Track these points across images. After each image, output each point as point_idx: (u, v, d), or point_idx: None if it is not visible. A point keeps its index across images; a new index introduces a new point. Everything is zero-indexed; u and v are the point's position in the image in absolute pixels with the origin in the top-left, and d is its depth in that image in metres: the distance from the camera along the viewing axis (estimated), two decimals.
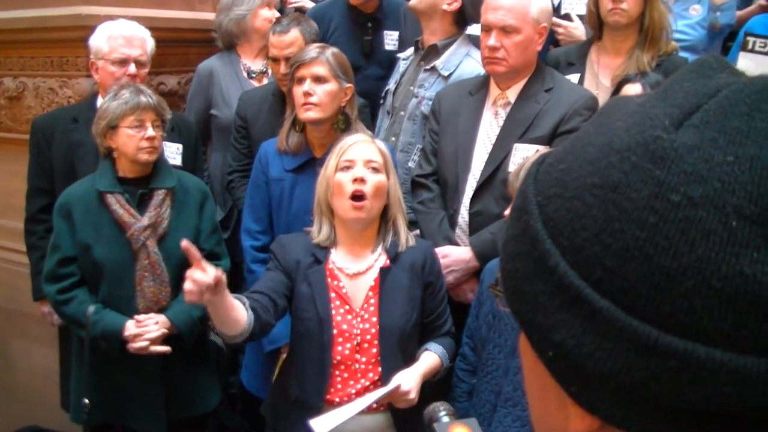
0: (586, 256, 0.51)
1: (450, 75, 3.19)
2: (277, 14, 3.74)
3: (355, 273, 2.40)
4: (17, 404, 3.89)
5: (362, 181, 2.32)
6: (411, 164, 3.15)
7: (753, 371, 0.46)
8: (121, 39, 3.17)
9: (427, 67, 3.24)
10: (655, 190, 0.48)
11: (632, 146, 0.50)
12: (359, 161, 2.36)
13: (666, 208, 0.47)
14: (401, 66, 3.39)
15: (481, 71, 2.98)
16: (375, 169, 2.36)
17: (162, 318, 2.73)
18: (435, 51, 3.24)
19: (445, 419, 1.33)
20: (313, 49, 2.88)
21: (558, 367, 0.53)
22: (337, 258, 2.42)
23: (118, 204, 2.71)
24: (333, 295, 2.38)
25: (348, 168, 2.35)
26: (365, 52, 3.76)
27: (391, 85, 3.40)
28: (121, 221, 2.70)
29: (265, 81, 3.70)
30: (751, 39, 3.22)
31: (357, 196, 2.32)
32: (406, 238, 2.46)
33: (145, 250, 2.71)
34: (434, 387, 2.50)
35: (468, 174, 2.82)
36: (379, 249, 2.43)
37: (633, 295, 0.48)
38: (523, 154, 2.69)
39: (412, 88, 3.26)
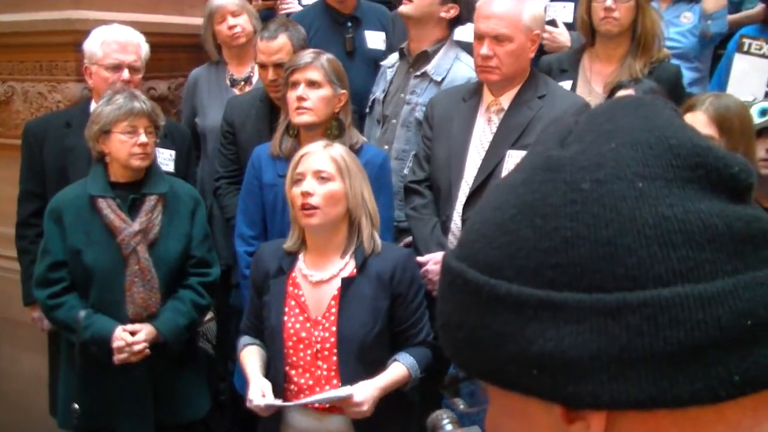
0: (531, 269, 0.56)
1: (443, 80, 3.18)
2: (241, 21, 3.74)
3: (318, 281, 2.42)
4: (5, 411, 3.85)
5: (308, 194, 2.34)
6: (406, 171, 3.14)
7: (712, 293, 0.52)
8: (115, 44, 3.15)
9: (418, 73, 3.23)
10: (567, 188, 0.56)
11: (533, 172, 0.59)
12: (308, 173, 2.38)
13: (582, 195, 0.55)
14: (387, 74, 3.37)
15: (473, 75, 2.98)
16: (324, 179, 2.37)
17: (149, 329, 2.72)
18: (425, 57, 3.23)
19: (449, 427, 1.33)
20: (309, 54, 2.88)
21: (545, 380, 0.55)
22: (304, 265, 2.45)
23: (109, 209, 2.70)
24: (293, 303, 2.42)
25: (299, 181, 2.39)
26: (347, 50, 3.76)
27: (378, 94, 3.37)
28: (111, 226, 2.69)
29: (247, 89, 3.71)
30: (746, 41, 3.24)
31: (306, 208, 2.35)
32: (372, 243, 2.44)
33: (136, 255, 2.70)
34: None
35: (461, 180, 2.82)
36: (348, 255, 2.44)
37: (587, 276, 0.53)
38: (516, 161, 2.66)
39: (402, 95, 3.25)
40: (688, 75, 3.41)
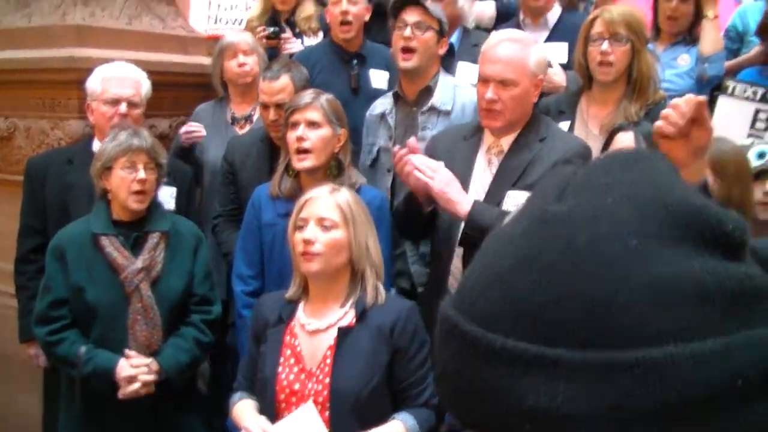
0: (526, 323, 0.56)
1: (452, 109, 3.24)
2: (250, 61, 3.80)
3: (315, 330, 2.36)
4: None
5: (309, 242, 2.30)
6: None
7: (703, 353, 0.51)
8: (113, 80, 3.21)
9: (424, 108, 3.27)
10: (563, 244, 0.56)
11: (529, 226, 0.60)
12: (312, 219, 2.34)
13: (577, 252, 0.55)
14: (389, 120, 3.36)
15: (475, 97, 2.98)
16: (327, 227, 2.33)
17: (153, 365, 2.71)
18: (428, 92, 3.27)
19: None
20: (308, 95, 2.91)
21: None
22: (303, 314, 2.40)
23: (112, 246, 2.71)
24: (288, 353, 2.35)
25: (302, 228, 2.35)
26: (352, 86, 3.83)
27: (383, 143, 3.37)
28: (114, 264, 2.70)
29: (247, 128, 3.76)
30: (731, 84, 3.27)
31: (307, 254, 2.32)
32: (375, 294, 2.37)
33: (138, 293, 2.70)
34: None
35: (461, 221, 2.82)
36: (348, 304, 2.37)
37: (581, 333, 0.54)
38: (516, 202, 2.69)
39: (414, 136, 3.25)
40: None
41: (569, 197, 0.60)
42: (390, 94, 3.41)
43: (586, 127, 3.18)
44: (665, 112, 1.83)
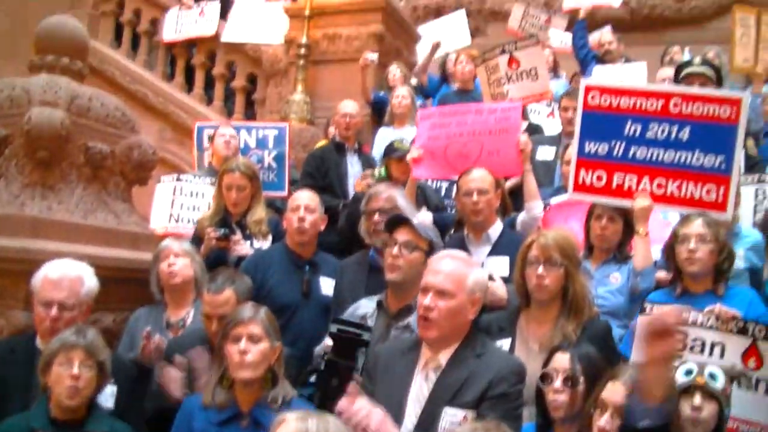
0: None
1: None
2: (179, 263, 3.88)
3: None
4: None
5: None
6: None
7: None
8: (49, 282, 3.24)
9: (400, 324, 3.34)
10: None
11: None
12: None
13: None
14: (369, 324, 3.38)
15: None
16: None
17: None
18: (408, 310, 3.35)
19: None
20: (249, 309, 2.99)
21: None
22: None
23: None
24: None
25: None
26: (303, 291, 3.95)
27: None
28: None
29: (180, 333, 3.78)
30: (648, 305, 3.39)
31: None
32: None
33: None
34: None
35: None
36: None
37: None
38: (452, 419, 2.71)
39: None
40: (617, 332, 3.55)
41: None
42: (376, 297, 3.51)
43: (527, 345, 3.25)
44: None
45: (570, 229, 3.81)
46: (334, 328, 3.09)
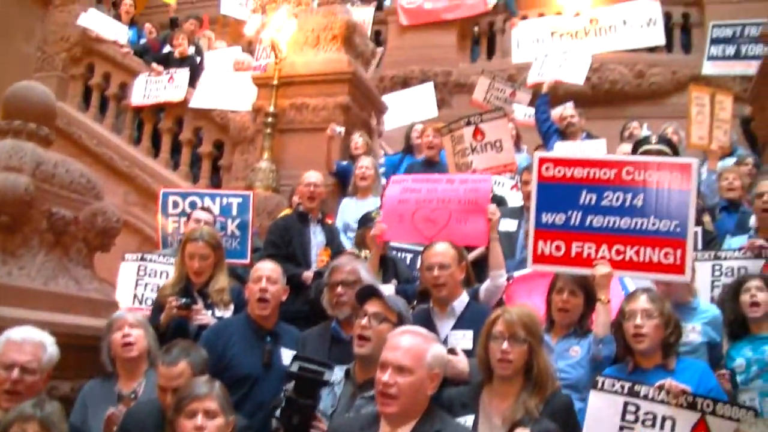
0: None
1: None
2: (134, 333, 3.85)
3: None
4: None
5: None
6: None
7: None
8: (12, 343, 3.23)
9: (365, 395, 3.33)
10: None
11: None
12: None
13: None
14: (336, 390, 3.45)
15: None
16: None
17: None
18: (374, 381, 3.34)
19: None
20: (204, 384, 2.99)
21: None
22: None
23: None
24: None
25: None
26: (264, 362, 3.94)
27: (321, 406, 3.41)
28: None
29: (131, 405, 3.69)
30: (600, 379, 3.40)
31: None
32: None
33: None
34: None
35: None
36: None
37: None
38: None
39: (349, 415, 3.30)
40: (578, 405, 3.56)
41: None
42: (345, 367, 3.50)
43: (490, 421, 3.25)
44: None
45: (533, 305, 3.85)
46: (295, 366, 3.16)
